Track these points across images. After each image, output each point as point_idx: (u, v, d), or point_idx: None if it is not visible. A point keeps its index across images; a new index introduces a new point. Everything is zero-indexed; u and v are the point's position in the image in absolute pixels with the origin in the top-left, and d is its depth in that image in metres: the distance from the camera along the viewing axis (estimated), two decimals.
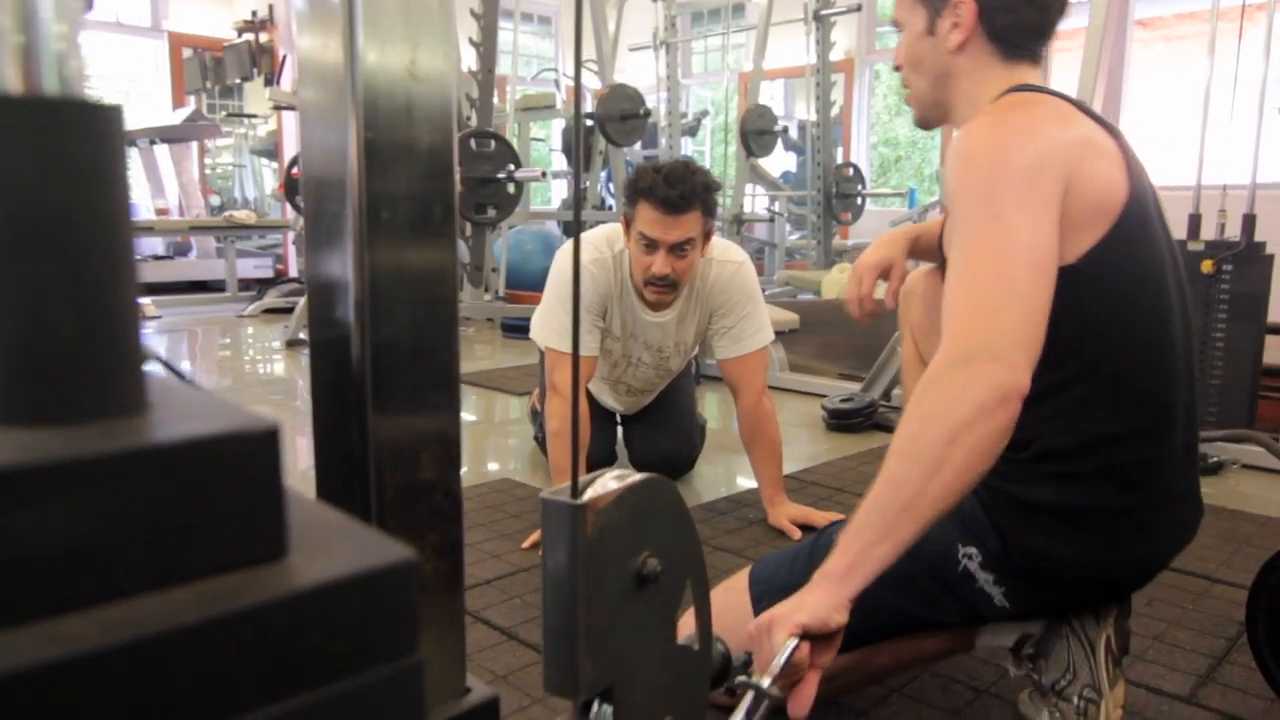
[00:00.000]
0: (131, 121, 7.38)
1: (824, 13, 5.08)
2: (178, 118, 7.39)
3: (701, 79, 8.43)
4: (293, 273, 7.43)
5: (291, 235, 7.18)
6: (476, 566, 1.83)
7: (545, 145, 7.71)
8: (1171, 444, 1.11)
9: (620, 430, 2.56)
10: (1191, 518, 1.19)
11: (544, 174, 4.07)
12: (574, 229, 0.73)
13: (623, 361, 2.31)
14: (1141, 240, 1.06)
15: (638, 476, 0.70)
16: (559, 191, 7.72)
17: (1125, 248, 1.04)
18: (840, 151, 7.33)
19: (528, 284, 4.96)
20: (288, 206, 6.57)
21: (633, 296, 2.16)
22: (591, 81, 5.30)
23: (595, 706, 0.68)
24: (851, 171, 6.42)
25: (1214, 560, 1.91)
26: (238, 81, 7.78)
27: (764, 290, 5.29)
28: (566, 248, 2.18)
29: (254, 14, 7.51)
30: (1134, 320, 1.07)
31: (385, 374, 0.62)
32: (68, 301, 0.39)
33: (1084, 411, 1.07)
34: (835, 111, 6.16)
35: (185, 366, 4.57)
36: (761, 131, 5.10)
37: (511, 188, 3.98)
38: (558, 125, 7.24)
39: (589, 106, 4.78)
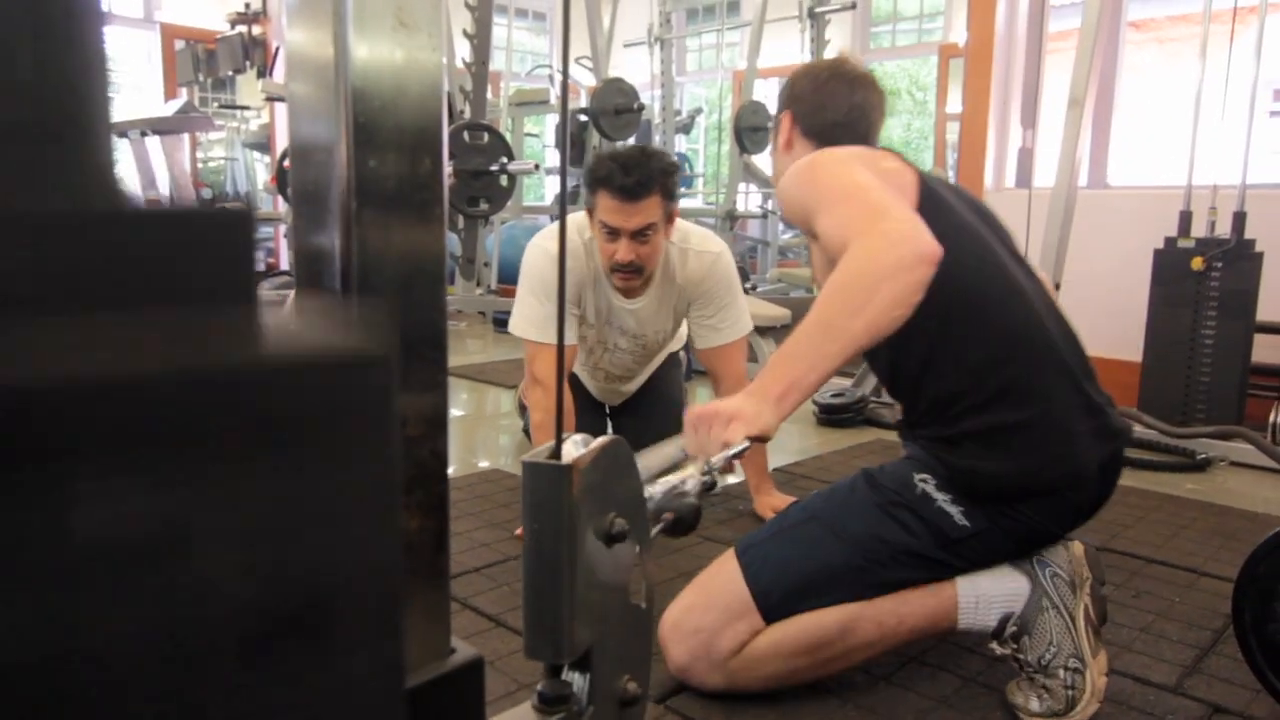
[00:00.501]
0: (123, 113, 7.38)
1: (819, 10, 5.08)
2: (169, 110, 7.35)
3: (696, 76, 8.43)
4: (284, 266, 7.41)
5: (283, 229, 7.16)
6: (466, 555, 1.82)
7: (539, 140, 7.70)
8: (1052, 363, 1.26)
9: (610, 425, 2.56)
10: (1106, 430, 1.28)
11: (536, 167, 4.06)
12: (559, 219, 0.73)
13: (599, 348, 2.31)
14: (945, 211, 1.26)
15: (603, 438, 0.71)
16: (552, 188, 7.72)
17: (937, 213, 1.20)
18: None
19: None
20: (279, 200, 6.55)
21: (605, 283, 2.15)
22: (586, 78, 5.29)
23: (565, 672, 0.68)
24: None
25: (1202, 554, 1.91)
26: (230, 74, 7.75)
27: (756, 287, 5.31)
28: (534, 241, 2.16)
29: (246, 6, 7.48)
30: (970, 265, 1.25)
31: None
32: None
33: (962, 353, 1.26)
34: None
35: None
36: (755, 129, 5.09)
37: (504, 181, 3.97)
38: (551, 120, 7.24)
39: (583, 102, 4.77)
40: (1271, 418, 2.68)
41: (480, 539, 1.93)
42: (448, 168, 0.69)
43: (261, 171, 8.44)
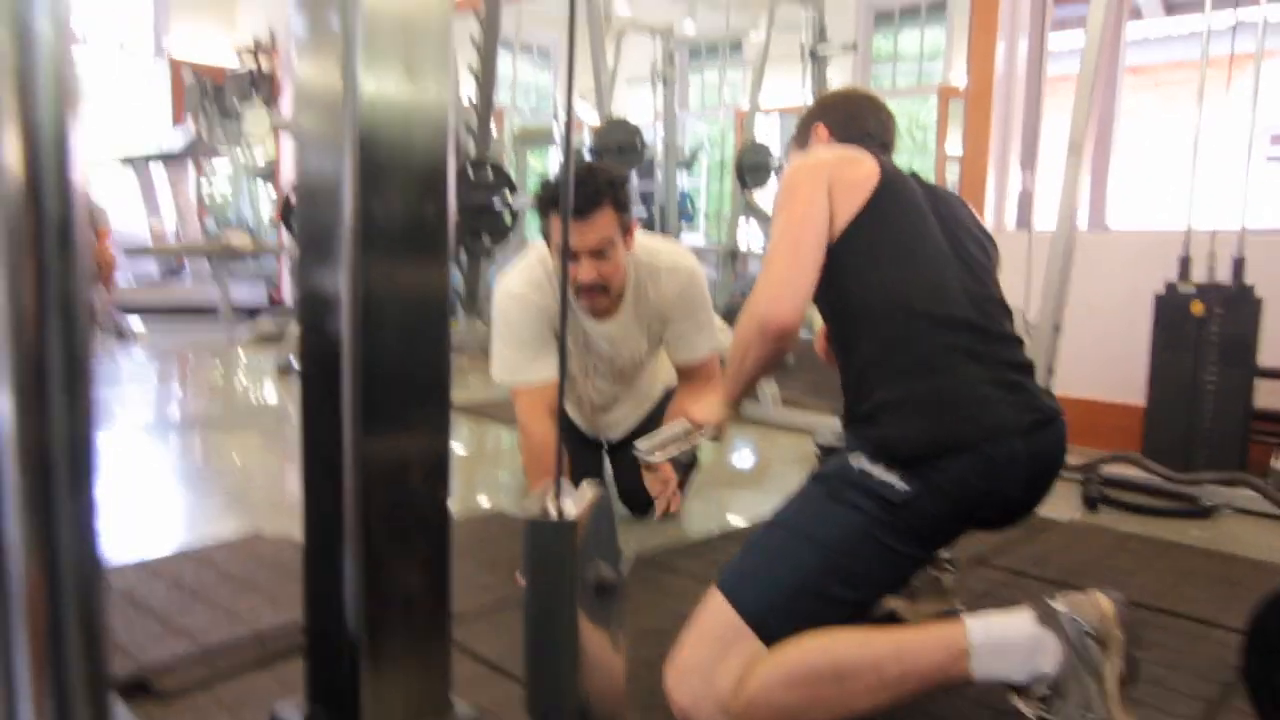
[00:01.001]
0: (129, 143, 7.44)
1: (820, 51, 5.15)
2: (176, 141, 7.42)
3: (698, 114, 8.52)
4: (286, 300, 7.43)
5: (286, 262, 7.18)
6: (464, 598, 1.80)
7: (543, 177, 7.77)
8: (956, 341, 1.36)
9: (607, 461, 2.54)
10: (1024, 404, 1.35)
11: None
12: (562, 257, 0.73)
13: (579, 375, 2.31)
14: (892, 207, 1.46)
15: (592, 488, 0.71)
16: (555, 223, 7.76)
17: (878, 212, 1.44)
18: None
19: None
20: (284, 232, 6.58)
21: (575, 309, 2.14)
22: (590, 114, 5.34)
23: None
24: None
25: (1209, 605, 1.89)
26: (237, 105, 7.82)
27: None
28: (499, 287, 2.17)
29: (256, 42, 7.58)
30: (895, 252, 1.43)
31: (376, 381, 0.61)
32: None
33: (875, 326, 1.40)
34: None
35: (176, 390, 4.54)
36: (757, 167, 5.13)
37: (508, 216, 3.99)
38: (555, 156, 7.29)
39: (587, 139, 4.81)
40: (1275, 463, 2.67)
41: (480, 581, 1.91)
42: (452, 202, 0.69)
43: (266, 202, 8.48)
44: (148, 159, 7.11)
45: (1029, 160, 4.01)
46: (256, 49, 7.52)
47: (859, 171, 1.47)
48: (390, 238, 0.66)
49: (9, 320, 0.41)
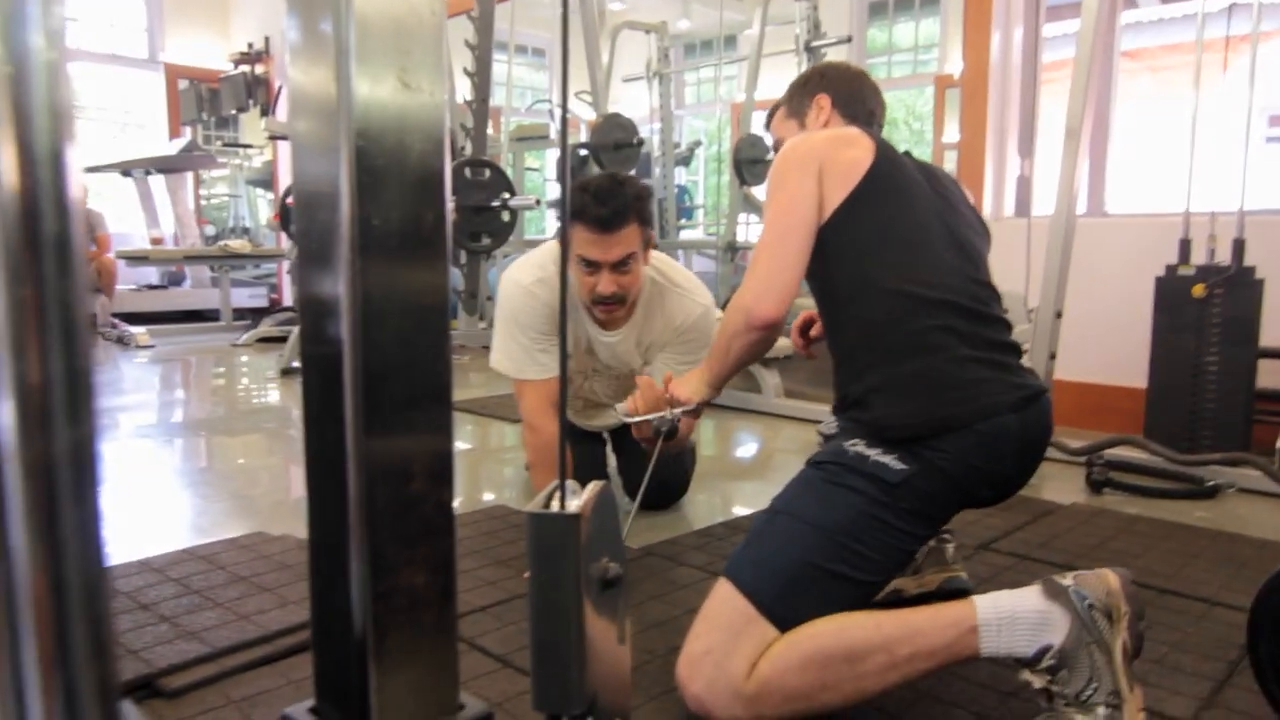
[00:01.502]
0: (127, 152, 7.45)
1: (815, 44, 5.14)
2: (174, 148, 7.42)
3: (695, 109, 8.51)
4: (287, 302, 7.44)
5: (286, 265, 7.20)
6: (471, 593, 1.81)
7: (540, 175, 7.76)
8: (943, 321, 1.38)
9: (614, 459, 2.54)
10: (1012, 383, 1.38)
11: (538, 202, 4.09)
12: (561, 253, 0.73)
13: (578, 376, 2.29)
14: (885, 189, 1.46)
15: (595, 484, 0.71)
16: (554, 221, 7.76)
17: (870, 195, 1.45)
18: None
19: None
20: (283, 237, 6.59)
21: (582, 311, 2.13)
22: (586, 112, 5.34)
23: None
24: None
25: (1214, 583, 1.90)
26: (233, 112, 7.83)
27: None
28: (508, 274, 2.14)
29: (250, 46, 7.58)
30: (887, 235, 1.44)
31: (376, 386, 0.61)
32: None
33: (864, 308, 1.43)
34: None
35: (179, 395, 4.56)
36: (754, 161, 5.13)
37: (506, 216, 4.00)
38: (552, 155, 7.29)
39: (583, 136, 4.81)
40: (1278, 443, 2.67)
41: (486, 576, 1.92)
42: (449, 203, 0.70)
43: (264, 208, 8.50)
44: (146, 168, 7.12)
45: (1026, 147, 4.01)
46: (250, 56, 7.52)
47: (852, 153, 1.47)
48: (388, 241, 0.66)
49: (9, 332, 0.42)
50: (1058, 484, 2.73)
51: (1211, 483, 2.60)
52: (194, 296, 7.41)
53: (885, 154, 1.49)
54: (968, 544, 2.09)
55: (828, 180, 1.45)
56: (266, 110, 6.93)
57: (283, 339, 5.48)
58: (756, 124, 5.44)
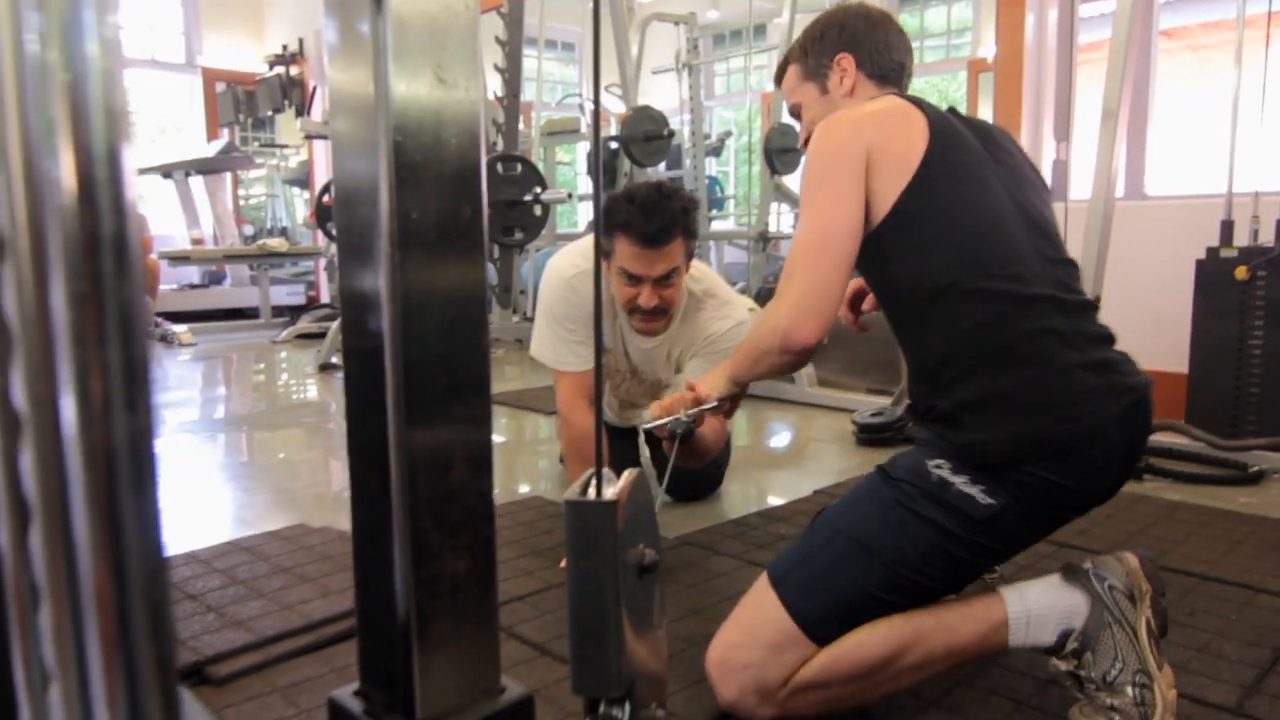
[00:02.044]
0: (168, 155, 7.59)
1: None
2: (212, 150, 7.55)
3: (725, 100, 8.47)
4: (324, 299, 7.54)
5: (323, 262, 7.29)
6: (509, 583, 1.84)
7: (571, 169, 7.78)
8: (1044, 323, 1.24)
9: (647, 450, 2.55)
10: (1117, 387, 1.24)
11: (570, 195, 4.11)
12: (595, 250, 0.74)
13: (615, 375, 2.30)
14: (947, 174, 1.29)
15: (630, 472, 0.72)
16: (585, 214, 7.78)
17: (931, 183, 1.28)
18: None
19: None
20: (319, 234, 6.68)
21: (622, 317, 2.11)
22: (615, 105, 5.35)
23: (602, 707, 0.69)
24: None
25: (1258, 570, 1.87)
26: (269, 113, 7.94)
27: None
28: (551, 264, 2.13)
29: (284, 48, 7.67)
30: (958, 226, 1.27)
31: (417, 377, 0.63)
32: None
33: (949, 315, 1.26)
34: None
35: (221, 391, 4.65)
36: (785, 150, 5.10)
37: (538, 210, 4.02)
38: (583, 149, 7.31)
39: (613, 129, 4.82)
40: None
41: (524, 566, 1.94)
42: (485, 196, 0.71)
43: (300, 207, 8.61)
44: (186, 170, 7.25)
45: (1063, 130, 3.94)
46: (285, 58, 7.61)
47: (905, 137, 1.30)
48: (427, 236, 0.67)
49: (70, 326, 0.44)
50: None
51: (1255, 468, 2.55)
52: (234, 295, 7.54)
53: (940, 128, 1.32)
54: None
55: (878, 174, 1.28)
56: (302, 110, 7.02)
57: (321, 335, 5.56)
58: (787, 113, 5.41)
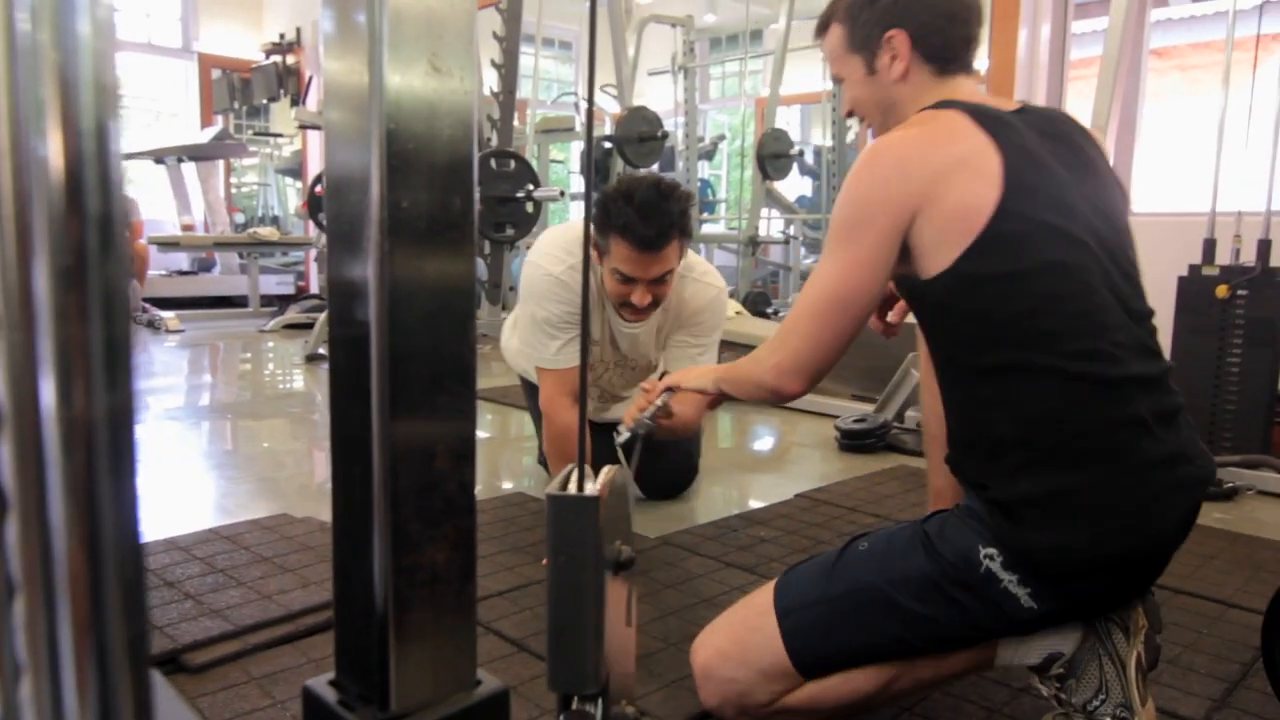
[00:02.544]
0: (160, 140, 7.54)
1: None
2: (205, 137, 7.51)
3: (719, 103, 8.49)
4: (314, 289, 7.51)
5: (313, 252, 7.26)
6: (489, 578, 1.84)
7: (564, 167, 7.78)
8: (1129, 411, 1.09)
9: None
10: (1188, 481, 1.14)
11: (562, 193, 4.11)
12: (584, 246, 0.74)
13: (599, 365, 2.30)
14: (1025, 227, 1.09)
15: (609, 468, 0.72)
16: (577, 212, 7.78)
17: (1003, 245, 1.08)
18: None
19: None
20: (310, 224, 6.65)
21: (609, 308, 2.13)
22: (611, 105, 5.35)
23: (575, 703, 0.69)
24: None
25: (1229, 586, 1.89)
26: (265, 102, 7.90)
27: (779, 312, 5.30)
28: (533, 259, 2.11)
29: (281, 36, 7.64)
30: (1034, 289, 1.09)
31: (402, 367, 0.63)
32: None
33: (1016, 395, 1.11)
34: (851, 137, 6.19)
35: (207, 379, 4.62)
36: (778, 155, 5.12)
37: (530, 207, 4.02)
38: (576, 148, 7.31)
39: (608, 129, 4.82)
40: None
41: (504, 562, 1.94)
42: (476, 189, 0.71)
43: (293, 197, 8.57)
44: (178, 156, 7.21)
45: None
46: (282, 46, 7.58)
47: (969, 185, 1.09)
48: (417, 228, 0.67)
49: (53, 300, 0.44)
50: None
51: (1230, 484, 2.58)
52: (223, 283, 7.50)
53: (1016, 166, 1.09)
54: None
55: (930, 228, 1.10)
56: (297, 100, 6.98)
57: (309, 325, 5.54)
58: (780, 119, 5.42)
